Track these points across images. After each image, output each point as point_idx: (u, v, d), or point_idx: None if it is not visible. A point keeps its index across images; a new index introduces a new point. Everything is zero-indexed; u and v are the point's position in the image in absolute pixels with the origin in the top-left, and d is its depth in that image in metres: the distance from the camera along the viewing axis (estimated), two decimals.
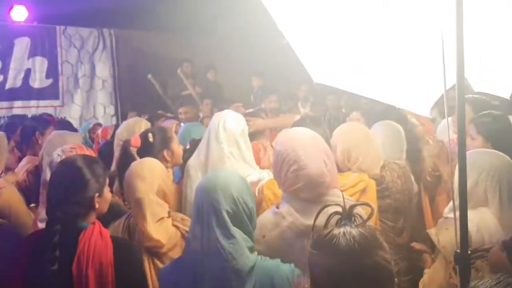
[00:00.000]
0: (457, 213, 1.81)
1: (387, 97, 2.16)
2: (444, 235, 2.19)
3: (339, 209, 1.34)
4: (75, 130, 4.97)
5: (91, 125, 5.29)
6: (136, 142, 2.93)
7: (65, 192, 1.99)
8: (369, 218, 1.34)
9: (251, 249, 1.83)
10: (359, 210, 1.47)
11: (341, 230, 1.27)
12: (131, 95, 7.89)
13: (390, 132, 3.18)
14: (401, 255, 2.68)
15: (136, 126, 3.60)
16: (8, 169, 3.31)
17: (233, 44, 8.08)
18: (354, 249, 1.23)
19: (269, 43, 7.22)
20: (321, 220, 1.39)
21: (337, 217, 1.35)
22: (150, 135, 2.96)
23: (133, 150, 2.89)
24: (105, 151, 3.48)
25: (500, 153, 2.34)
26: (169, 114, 7.14)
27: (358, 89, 2.12)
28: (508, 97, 3.43)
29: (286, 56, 2.06)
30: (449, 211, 2.30)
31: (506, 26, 2.49)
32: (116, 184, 3.01)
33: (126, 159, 2.81)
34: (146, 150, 2.84)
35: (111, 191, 2.96)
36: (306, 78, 7.06)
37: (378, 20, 1.99)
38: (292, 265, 1.84)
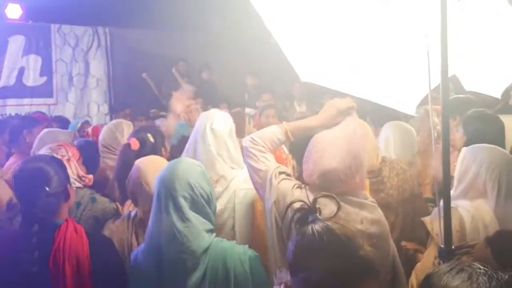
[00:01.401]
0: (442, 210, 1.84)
1: (373, 95, 2.18)
2: (438, 223, 2.22)
3: (301, 205, 1.37)
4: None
5: (79, 124, 5.22)
6: (135, 145, 2.93)
7: (33, 189, 2.00)
8: (338, 210, 1.37)
9: (210, 231, 1.95)
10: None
11: (320, 225, 1.30)
12: (126, 93, 7.89)
13: (400, 132, 3.20)
14: None
15: (117, 131, 3.50)
16: None
17: (227, 43, 8.09)
18: (341, 240, 1.27)
19: (263, 42, 7.23)
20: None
21: (300, 214, 1.37)
22: (149, 135, 2.98)
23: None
24: (86, 148, 3.43)
25: (501, 149, 2.42)
26: (163, 113, 7.16)
27: (345, 88, 2.14)
28: (499, 96, 3.48)
29: (280, 55, 2.07)
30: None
31: (497, 28, 2.53)
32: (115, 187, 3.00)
33: (128, 163, 2.77)
34: (148, 151, 2.86)
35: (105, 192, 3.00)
36: (299, 77, 7.10)
37: (365, 19, 2.00)
38: (246, 246, 1.97)
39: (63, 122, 5.25)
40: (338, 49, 2.08)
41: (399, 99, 2.17)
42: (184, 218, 1.89)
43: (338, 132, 2.04)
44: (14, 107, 7.21)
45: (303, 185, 2.00)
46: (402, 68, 2.10)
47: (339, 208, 1.37)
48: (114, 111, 6.47)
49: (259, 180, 2.10)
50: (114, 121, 3.81)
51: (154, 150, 2.90)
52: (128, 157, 2.82)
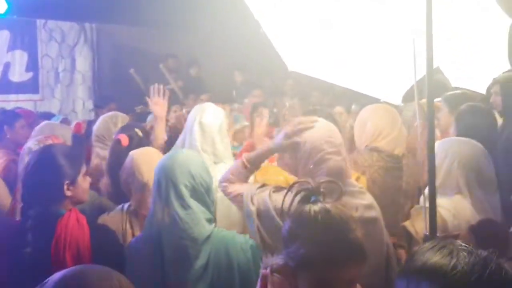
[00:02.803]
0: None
1: (360, 86, 2.20)
2: (421, 224, 2.20)
3: (307, 185, 1.40)
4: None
5: (59, 121, 5.18)
6: (125, 141, 2.93)
7: (38, 177, 2.02)
8: (340, 195, 1.40)
9: (210, 221, 1.98)
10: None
11: (318, 205, 1.35)
12: (112, 89, 7.84)
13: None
14: None
15: (111, 123, 3.53)
16: None
17: (215, 39, 8.08)
18: (336, 221, 1.32)
19: (252, 37, 7.24)
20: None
21: (303, 193, 1.40)
22: (137, 130, 3.00)
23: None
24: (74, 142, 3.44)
25: (472, 141, 2.39)
26: (150, 109, 7.13)
27: (331, 78, 2.15)
28: (484, 92, 3.53)
29: (269, 50, 2.08)
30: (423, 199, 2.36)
31: (483, 24, 2.57)
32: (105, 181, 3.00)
33: (119, 158, 2.77)
34: (137, 145, 2.83)
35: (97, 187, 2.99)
36: (290, 73, 7.13)
37: (353, 11, 2.02)
38: (247, 236, 2.00)
39: (49, 119, 5.21)
40: (325, 40, 2.10)
41: (385, 89, 2.19)
42: (185, 206, 1.93)
43: (323, 127, 2.08)
44: None
45: (281, 187, 2.01)
46: (388, 59, 2.12)
47: (341, 193, 1.42)
48: (97, 107, 6.41)
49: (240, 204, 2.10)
50: (110, 113, 3.82)
51: (143, 144, 2.89)
52: (119, 153, 2.83)
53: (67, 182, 2.03)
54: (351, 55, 2.12)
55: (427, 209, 1.90)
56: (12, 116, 4.17)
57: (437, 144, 2.30)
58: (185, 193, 1.94)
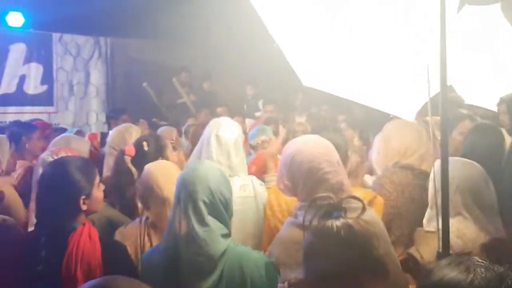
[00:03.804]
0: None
1: (374, 101, 2.22)
2: (427, 251, 2.17)
3: (328, 200, 1.41)
4: None
5: (73, 133, 5.19)
6: (130, 151, 2.94)
7: (53, 192, 2.00)
8: (362, 212, 1.41)
9: (226, 236, 1.96)
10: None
11: (341, 220, 1.35)
12: (125, 102, 7.92)
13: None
14: None
15: (126, 133, 3.60)
16: (7, 172, 3.33)
17: (228, 53, 8.15)
18: (357, 237, 1.31)
19: (264, 51, 7.29)
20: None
21: (326, 208, 1.41)
22: (144, 143, 2.97)
23: (127, 160, 2.90)
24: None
25: (473, 163, 2.33)
26: (163, 122, 7.20)
27: (346, 94, 2.17)
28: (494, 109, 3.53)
29: (281, 64, 2.10)
30: (427, 222, 2.29)
31: (494, 40, 2.58)
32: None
33: (121, 168, 2.83)
34: (141, 158, 2.83)
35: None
36: (301, 87, 7.16)
37: (367, 28, 2.04)
38: (261, 252, 2.00)
39: (61, 133, 5.26)
40: (340, 56, 2.12)
41: (399, 105, 2.20)
42: (203, 222, 1.91)
43: (318, 144, 2.08)
44: (14, 114, 7.23)
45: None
46: (403, 75, 2.13)
47: (364, 209, 1.42)
48: (110, 118, 6.46)
49: None
50: (124, 124, 3.90)
51: (148, 158, 2.81)
52: (121, 163, 2.86)
53: (83, 196, 2.01)
54: (366, 71, 2.14)
55: (439, 230, 1.89)
56: (30, 127, 4.22)
57: (436, 164, 2.21)
58: (204, 209, 1.93)
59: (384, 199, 2.51)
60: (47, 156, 2.79)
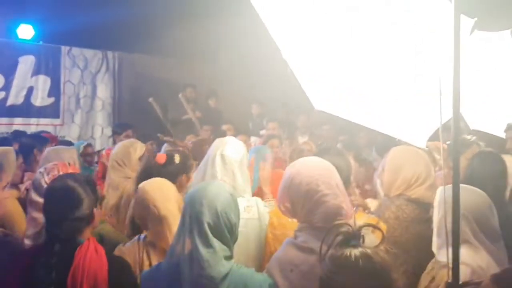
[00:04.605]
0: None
1: (384, 127, 2.21)
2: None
3: (346, 228, 1.38)
4: None
5: (81, 148, 5.08)
6: (161, 159, 2.98)
7: (63, 210, 2.02)
8: (382, 241, 1.39)
9: (229, 258, 1.94)
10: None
11: (359, 250, 1.33)
12: (131, 117, 7.95)
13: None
14: None
15: (132, 148, 3.64)
16: (14, 184, 3.31)
17: (235, 72, 8.19)
18: (376, 268, 1.28)
19: (271, 71, 7.32)
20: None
21: (342, 236, 1.39)
22: (177, 156, 3.02)
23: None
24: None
25: (478, 190, 2.29)
26: (167, 138, 7.20)
27: (357, 119, 2.17)
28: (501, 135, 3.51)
29: (287, 85, 2.10)
30: (437, 250, 2.23)
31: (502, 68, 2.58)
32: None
33: (149, 169, 2.93)
34: (168, 169, 2.90)
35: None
36: (304, 107, 7.14)
37: (380, 53, 2.05)
38: (266, 275, 1.97)
39: (66, 145, 5.25)
40: (352, 80, 2.12)
41: (410, 131, 2.19)
42: (207, 244, 1.89)
43: (319, 166, 2.08)
44: (20, 126, 7.26)
45: None
46: (414, 101, 2.13)
47: (383, 239, 1.39)
48: (114, 133, 6.49)
49: None
50: (129, 139, 3.96)
51: (174, 171, 2.92)
52: (150, 164, 2.99)
53: (87, 212, 2.05)
54: (377, 96, 2.13)
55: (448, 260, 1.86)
56: (42, 140, 4.22)
57: (441, 191, 2.21)
58: (208, 232, 1.91)
59: (388, 235, 2.47)
60: (39, 174, 2.73)
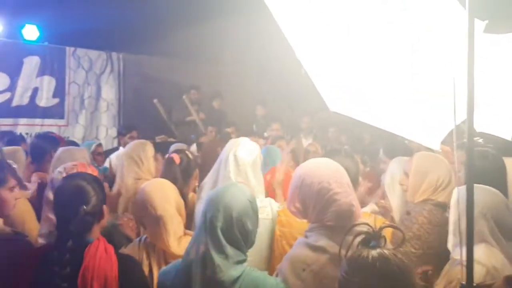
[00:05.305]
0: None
1: (398, 128, 2.21)
2: None
3: (366, 228, 1.39)
4: None
5: (93, 147, 5.20)
6: (177, 159, 3.12)
7: (70, 207, 2.03)
8: (402, 242, 1.39)
9: (242, 262, 1.93)
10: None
11: (377, 251, 1.33)
12: (135, 118, 7.97)
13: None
14: None
15: (147, 145, 3.66)
16: (21, 184, 3.32)
17: (239, 73, 8.20)
18: (393, 271, 1.28)
19: (276, 72, 7.34)
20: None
21: (363, 237, 1.39)
22: (188, 152, 3.22)
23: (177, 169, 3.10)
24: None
25: (492, 189, 2.31)
26: (171, 139, 7.21)
27: (371, 119, 2.17)
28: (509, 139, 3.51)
29: (291, 86, 2.11)
30: (452, 248, 2.27)
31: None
32: None
33: (171, 171, 3.07)
34: (184, 165, 3.11)
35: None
36: (308, 109, 7.13)
37: (394, 55, 2.05)
38: (278, 279, 1.96)
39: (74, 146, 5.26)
40: (366, 81, 2.13)
41: (424, 133, 2.19)
42: (220, 249, 1.88)
43: (329, 166, 2.12)
44: (25, 126, 7.28)
45: None
46: (428, 102, 2.14)
47: (403, 241, 1.40)
48: (120, 134, 6.50)
49: None
50: (142, 140, 3.97)
51: (190, 167, 3.11)
52: (171, 166, 3.10)
53: (97, 209, 2.05)
54: (391, 98, 2.14)
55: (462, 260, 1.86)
56: (55, 141, 4.21)
57: (457, 191, 2.24)
58: (221, 237, 1.89)
59: (423, 240, 2.53)
60: (58, 173, 2.76)
